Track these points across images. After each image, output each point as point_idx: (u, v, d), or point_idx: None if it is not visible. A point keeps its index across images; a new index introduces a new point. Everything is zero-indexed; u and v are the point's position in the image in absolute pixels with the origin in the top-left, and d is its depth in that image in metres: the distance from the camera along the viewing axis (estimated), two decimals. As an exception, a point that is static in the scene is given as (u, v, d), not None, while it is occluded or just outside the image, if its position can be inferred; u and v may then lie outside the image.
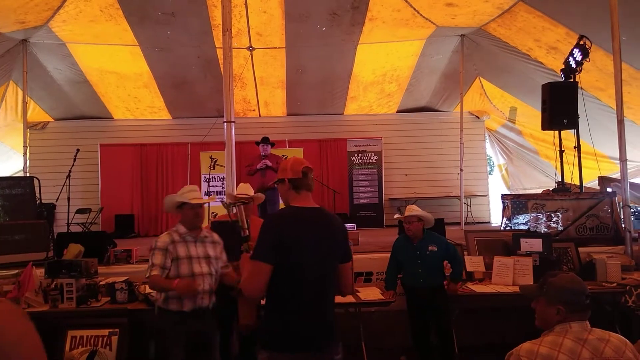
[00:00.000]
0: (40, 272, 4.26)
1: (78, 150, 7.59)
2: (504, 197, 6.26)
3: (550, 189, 6.42)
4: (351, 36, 7.93)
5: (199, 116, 9.84)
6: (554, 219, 5.63)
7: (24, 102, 8.04)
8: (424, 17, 7.39)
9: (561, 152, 6.30)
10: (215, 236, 3.37)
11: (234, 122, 4.39)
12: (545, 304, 1.93)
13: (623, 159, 5.04)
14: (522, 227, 5.66)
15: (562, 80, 6.31)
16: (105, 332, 4.00)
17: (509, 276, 4.46)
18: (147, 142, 10.13)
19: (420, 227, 4.14)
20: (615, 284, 4.35)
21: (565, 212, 5.61)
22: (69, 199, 7.27)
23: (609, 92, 6.12)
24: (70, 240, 4.74)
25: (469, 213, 10.03)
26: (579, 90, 6.11)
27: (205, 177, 8.59)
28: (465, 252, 4.96)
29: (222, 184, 8.67)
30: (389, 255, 4.38)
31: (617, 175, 5.80)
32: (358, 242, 5.84)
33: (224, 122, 4.37)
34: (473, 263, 4.73)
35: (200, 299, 3.13)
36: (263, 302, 2.48)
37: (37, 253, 4.92)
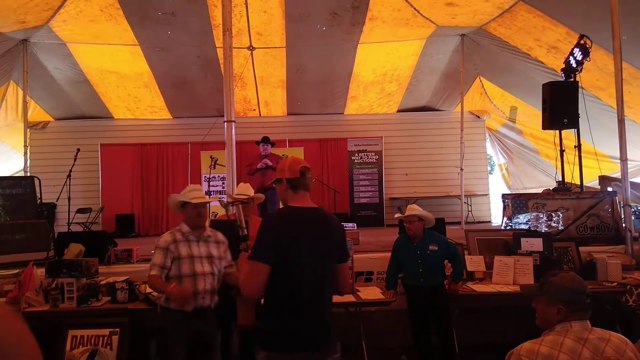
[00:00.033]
0: (40, 271, 4.27)
1: (78, 149, 7.58)
2: (504, 196, 6.26)
3: (551, 189, 6.41)
4: (351, 36, 7.93)
5: (199, 116, 9.83)
6: (554, 219, 5.62)
7: (25, 102, 8.05)
8: (424, 16, 7.38)
9: (562, 151, 6.29)
10: (220, 235, 3.35)
11: (234, 121, 4.40)
12: (546, 303, 1.93)
13: (623, 159, 5.04)
14: (523, 226, 5.66)
15: (562, 79, 6.30)
16: (106, 331, 4.00)
17: (510, 276, 4.45)
18: (148, 142, 10.13)
19: (420, 226, 4.14)
20: (615, 284, 4.35)
21: (565, 211, 5.61)
22: (69, 198, 7.27)
23: (610, 91, 6.13)
24: (70, 239, 4.74)
25: (470, 212, 10.03)
26: (580, 90, 6.10)
27: (205, 176, 8.60)
28: (466, 252, 4.94)
29: (223, 183, 8.66)
30: (389, 254, 4.38)
31: (618, 175, 5.80)
32: (358, 242, 5.84)
33: (224, 121, 4.38)
34: (473, 262, 4.72)
35: (201, 298, 3.13)
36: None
37: (37, 253, 4.93)
